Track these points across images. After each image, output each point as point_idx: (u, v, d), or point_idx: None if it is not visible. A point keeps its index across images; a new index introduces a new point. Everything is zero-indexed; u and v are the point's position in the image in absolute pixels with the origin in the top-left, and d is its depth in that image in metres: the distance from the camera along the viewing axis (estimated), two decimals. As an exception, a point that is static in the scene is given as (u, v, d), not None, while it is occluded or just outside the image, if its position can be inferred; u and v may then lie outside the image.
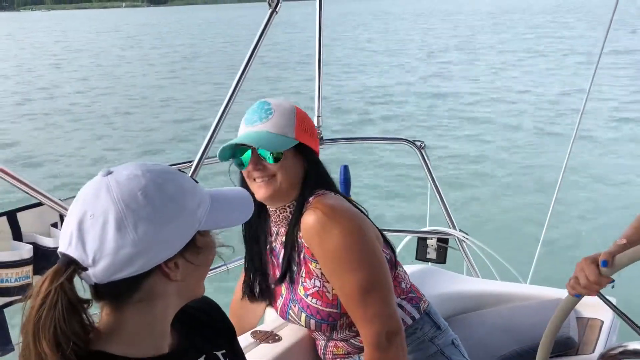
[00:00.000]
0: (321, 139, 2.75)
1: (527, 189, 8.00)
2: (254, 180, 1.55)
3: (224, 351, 1.10)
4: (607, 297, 1.36)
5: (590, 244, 5.91)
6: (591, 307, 2.15)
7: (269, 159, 1.52)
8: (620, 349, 1.15)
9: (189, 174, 2.34)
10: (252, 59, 2.49)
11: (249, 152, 1.53)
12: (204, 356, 1.05)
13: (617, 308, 1.31)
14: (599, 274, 1.24)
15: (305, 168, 1.56)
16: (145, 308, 0.93)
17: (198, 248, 0.95)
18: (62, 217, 1.89)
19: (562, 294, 2.27)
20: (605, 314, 2.19)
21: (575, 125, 3.28)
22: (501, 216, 7.08)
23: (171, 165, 2.27)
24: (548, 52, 23.41)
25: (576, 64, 19.14)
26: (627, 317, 1.29)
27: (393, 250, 1.66)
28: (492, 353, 1.99)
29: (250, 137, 1.52)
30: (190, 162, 2.39)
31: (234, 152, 1.56)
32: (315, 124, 2.77)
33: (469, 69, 20.31)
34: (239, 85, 2.46)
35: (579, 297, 1.32)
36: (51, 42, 42.10)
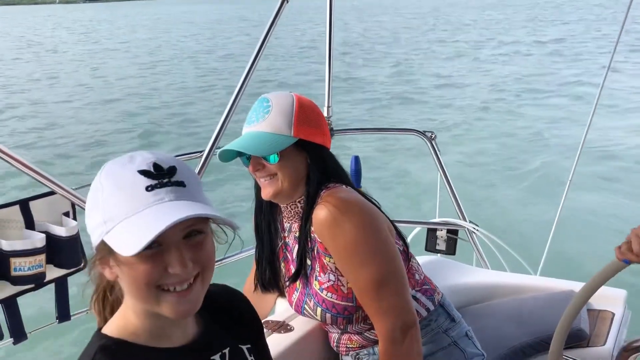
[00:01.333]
0: (331, 129, 2.75)
1: (539, 181, 7.95)
2: (259, 179, 1.55)
3: (249, 346, 1.11)
4: (612, 291, 1.35)
5: (602, 237, 5.87)
6: (602, 299, 2.14)
7: (268, 159, 1.51)
8: None
9: (199, 164, 2.35)
10: (262, 48, 2.48)
11: None
12: (228, 349, 1.06)
13: None
14: None
15: (308, 163, 1.54)
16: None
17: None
18: (74, 206, 1.91)
19: (573, 285, 2.27)
20: (616, 307, 2.18)
21: (590, 112, 3.22)
22: (512, 207, 7.04)
23: (180, 155, 2.29)
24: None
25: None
26: None
27: (405, 242, 1.66)
28: (503, 344, 1.98)
29: (244, 141, 1.51)
30: (200, 152, 2.40)
31: (238, 151, 1.54)
32: (325, 115, 2.77)
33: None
34: (250, 74, 2.45)
35: (627, 262, 1.30)
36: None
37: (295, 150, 1.52)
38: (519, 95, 13.98)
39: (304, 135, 1.51)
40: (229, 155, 1.55)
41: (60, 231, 1.84)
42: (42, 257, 1.79)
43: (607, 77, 3.22)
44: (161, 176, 0.91)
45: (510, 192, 7.65)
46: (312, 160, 1.54)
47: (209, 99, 15.18)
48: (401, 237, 1.65)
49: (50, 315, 1.98)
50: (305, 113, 1.53)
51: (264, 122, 1.51)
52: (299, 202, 1.57)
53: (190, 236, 0.92)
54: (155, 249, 0.89)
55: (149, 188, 0.90)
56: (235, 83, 2.44)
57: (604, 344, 2.00)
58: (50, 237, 1.82)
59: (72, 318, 2.00)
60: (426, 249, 2.86)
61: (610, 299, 2.16)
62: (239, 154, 1.54)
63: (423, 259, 2.48)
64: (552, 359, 1.34)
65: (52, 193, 1.87)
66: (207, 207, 0.92)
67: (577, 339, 1.99)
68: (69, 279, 1.94)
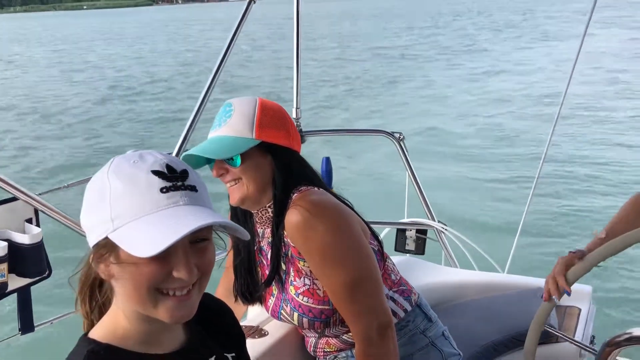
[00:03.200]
0: (300, 131, 2.74)
1: (507, 180, 8.11)
2: (226, 185, 1.54)
3: (233, 354, 1.09)
4: (578, 286, 1.43)
5: (567, 235, 6.02)
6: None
7: (231, 163, 1.49)
8: (626, 336, 1.16)
9: None
10: (229, 50, 2.46)
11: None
12: (214, 357, 1.05)
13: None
14: (562, 275, 1.33)
15: (273, 166, 1.53)
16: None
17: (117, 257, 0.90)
18: (37, 213, 1.85)
19: (539, 283, 2.30)
20: (582, 302, 2.23)
21: (555, 114, 3.29)
22: (480, 207, 7.16)
23: None
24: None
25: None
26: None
27: (380, 242, 1.65)
28: (474, 343, 2.00)
29: (205, 145, 1.50)
30: (169, 154, 2.35)
31: (206, 158, 1.53)
32: (294, 116, 2.76)
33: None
34: (217, 77, 2.42)
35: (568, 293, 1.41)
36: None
37: (259, 154, 1.50)
38: (489, 98, 14.27)
39: (267, 138, 1.50)
40: (195, 162, 1.53)
41: (23, 239, 1.78)
42: (4, 266, 1.73)
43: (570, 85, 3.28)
44: (175, 179, 0.90)
45: (478, 191, 7.78)
46: (277, 163, 1.52)
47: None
48: (375, 237, 1.64)
49: (13, 328, 1.91)
50: (269, 115, 1.52)
51: (225, 126, 1.50)
52: (269, 207, 1.55)
53: (196, 242, 0.91)
54: (164, 252, 0.86)
55: (163, 190, 0.88)
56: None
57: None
58: (13, 245, 1.76)
59: (35, 329, 1.94)
60: (396, 249, 2.87)
61: (576, 295, 2.21)
62: (207, 161, 1.52)
63: (394, 259, 2.49)
64: (527, 358, 1.36)
65: (14, 199, 1.81)
66: (218, 214, 0.91)
67: (546, 336, 2.03)
68: (32, 288, 1.87)
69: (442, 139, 10.50)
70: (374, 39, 30.06)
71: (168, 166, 0.90)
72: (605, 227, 1.44)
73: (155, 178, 0.88)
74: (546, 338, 2.02)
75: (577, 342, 1.80)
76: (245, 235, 0.94)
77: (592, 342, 2.15)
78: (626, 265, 5.09)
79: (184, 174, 0.91)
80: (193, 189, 0.90)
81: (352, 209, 1.60)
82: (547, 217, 6.52)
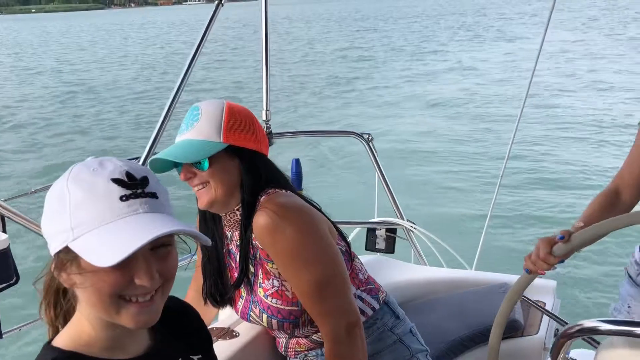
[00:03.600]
0: (270, 133, 2.75)
1: (472, 178, 8.25)
2: (193, 188, 1.54)
3: (200, 356, 1.10)
4: (543, 280, 1.44)
5: (532, 231, 6.16)
6: (534, 290, 2.25)
7: (198, 167, 1.49)
8: (577, 328, 1.21)
9: None
10: (197, 53, 2.45)
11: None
12: (180, 359, 1.05)
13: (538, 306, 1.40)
14: (549, 252, 1.30)
15: (241, 169, 1.54)
16: None
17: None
18: (3, 219, 1.82)
19: (506, 279, 2.37)
20: (547, 296, 2.29)
21: (519, 110, 3.36)
22: (448, 205, 7.27)
23: None
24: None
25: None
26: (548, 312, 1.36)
27: (347, 242, 1.68)
28: (443, 338, 2.05)
29: (173, 149, 1.50)
30: (137, 158, 2.34)
31: (174, 162, 1.53)
32: (264, 118, 2.77)
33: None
34: (185, 79, 2.42)
35: (527, 272, 1.38)
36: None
37: (226, 157, 1.51)
38: (457, 97, 14.48)
39: (235, 141, 1.51)
40: (162, 166, 1.53)
41: (-11, 245, 1.75)
42: (-30, 273, 1.70)
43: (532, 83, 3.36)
44: (135, 186, 0.90)
45: (445, 190, 7.90)
46: (245, 166, 1.53)
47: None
48: (343, 237, 1.67)
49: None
50: (236, 119, 1.53)
51: (193, 130, 1.50)
52: (237, 210, 1.56)
53: (158, 248, 0.91)
54: (124, 260, 0.86)
55: (123, 198, 0.88)
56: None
57: (537, 333, 2.11)
58: (-22, 252, 1.73)
59: (3, 336, 1.91)
60: (366, 249, 2.90)
61: (541, 289, 2.27)
62: (175, 164, 1.52)
63: (363, 259, 2.52)
64: (490, 353, 1.40)
65: (-22, 205, 1.78)
66: (179, 221, 0.91)
67: (512, 330, 2.08)
68: (-1, 295, 1.84)
69: (405, 139, 10.60)
70: (338, 41, 30.37)
71: (128, 174, 0.90)
72: (580, 217, 1.50)
73: (115, 186, 0.88)
74: (512, 332, 2.08)
75: (550, 313, 1.86)
76: (206, 241, 0.95)
77: (555, 334, 2.21)
78: (590, 258, 5.24)
79: (144, 181, 0.91)
80: (153, 196, 0.90)
81: (320, 210, 1.62)
82: (512, 215, 6.67)
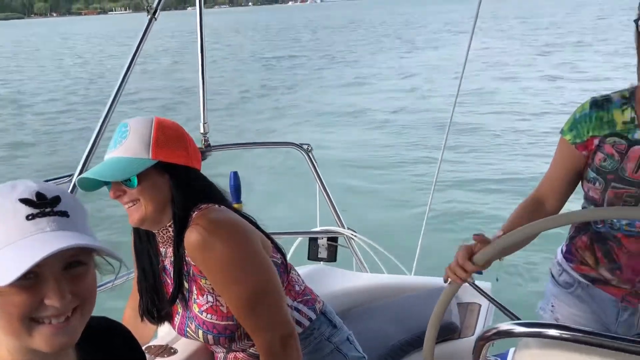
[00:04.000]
0: (208, 145, 2.74)
1: (407, 182, 8.45)
2: (124, 206, 1.52)
3: None
4: (478, 283, 1.48)
5: (468, 232, 6.34)
6: (470, 292, 2.33)
7: (128, 185, 1.48)
8: (494, 331, 1.26)
9: (69, 189, 2.23)
10: (132, 66, 2.42)
11: None
12: None
13: (483, 292, 1.43)
14: (468, 260, 1.32)
15: (171, 185, 1.52)
16: None
17: None
18: None
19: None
20: (482, 298, 2.37)
21: (450, 113, 3.45)
22: (387, 211, 7.40)
23: (50, 180, 2.15)
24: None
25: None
26: (493, 299, 1.41)
27: (284, 254, 1.69)
28: (384, 343, 2.09)
29: (101, 167, 1.49)
30: (70, 175, 2.28)
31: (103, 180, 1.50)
32: (202, 131, 2.76)
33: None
34: (119, 94, 2.38)
35: (445, 281, 1.41)
36: None
37: (156, 174, 1.49)
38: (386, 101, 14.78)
39: (164, 157, 1.49)
40: (91, 184, 1.51)
41: None
42: None
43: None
44: (43, 205, 0.88)
45: (384, 196, 8.05)
46: (175, 182, 1.52)
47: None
48: (279, 250, 1.68)
49: None
50: (166, 135, 1.52)
51: (121, 147, 1.49)
52: (169, 226, 1.55)
53: (71, 267, 0.89)
54: (33, 280, 0.85)
55: (29, 217, 0.86)
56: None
57: (473, 335, 2.18)
58: None
59: None
60: (309, 258, 2.92)
61: (475, 292, 2.35)
62: (105, 182, 1.50)
63: (306, 269, 2.54)
64: (425, 355, 1.44)
65: None
66: (89, 237, 0.89)
67: (449, 332, 2.15)
68: None
69: (341, 148, 10.69)
70: (265, 49, 30.62)
71: (38, 194, 0.89)
72: (503, 225, 1.54)
73: (22, 206, 0.87)
74: (448, 334, 2.15)
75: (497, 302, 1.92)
76: (118, 258, 0.93)
77: None
78: (523, 258, 5.46)
79: (55, 200, 0.89)
80: (63, 214, 0.89)
81: (255, 224, 1.62)
82: (449, 217, 6.85)
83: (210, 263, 1.47)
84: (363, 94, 16.38)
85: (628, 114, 1.47)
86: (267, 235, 1.65)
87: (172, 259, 1.58)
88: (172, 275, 1.59)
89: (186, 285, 1.57)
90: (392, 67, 21.68)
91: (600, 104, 1.50)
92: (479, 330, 2.21)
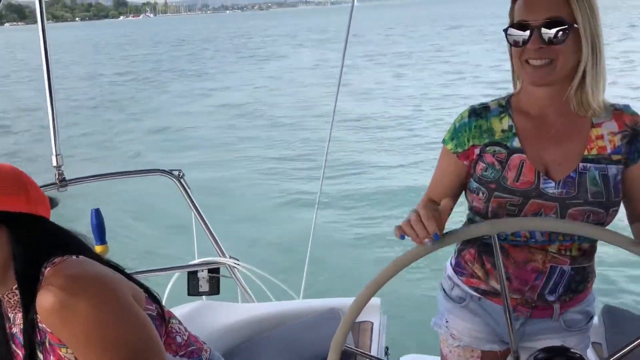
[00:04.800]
0: (63, 180, 2.46)
1: (290, 206, 8.38)
2: None
3: None
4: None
5: (354, 255, 6.38)
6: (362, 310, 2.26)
7: None
8: None
9: None
10: None
11: None
12: None
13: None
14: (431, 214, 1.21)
15: (10, 239, 1.28)
16: None
17: None
18: None
19: (334, 303, 2.37)
20: (373, 316, 2.32)
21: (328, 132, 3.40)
22: (270, 234, 7.25)
23: None
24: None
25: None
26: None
27: (159, 303, 1.47)
28: (277, 377, 1.94)
29: None
30: None
31: None
32: (55, 164, 2.47)
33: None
34: None
35: (402, 237, 1.24)
36: None
37: None
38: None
39: None
40: None
41: None
42: None
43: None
44: None
45: (266, 219, 7.89)
46: (15, 235, 1.27)
47: None
48: (154, 299, 1.46)
49: None
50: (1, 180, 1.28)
51: None
52: (16, 289, 1.30)
53: None
54: None
55: None
56: None
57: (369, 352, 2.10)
58: None
59: None
60: (189, 294, 2.72)
61: (367, 309, 2.28)
62: None
63: (187, 307, 2.35)
64: None
65: None
66: None
67: (345, 355, 2.05)
68: None
69: (212, 170, 10.42)
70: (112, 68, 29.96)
71: None
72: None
73: None
74: (347, 356, 2.05)
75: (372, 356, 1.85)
76: None
77: (386, 353, 2.24)
78: (412, 271, 5.56)
79: None
80: None
81: (123, 272, 1.40)
82: (331, 241, 6.81)
83: (72, 329, 1.21)
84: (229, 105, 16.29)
85: (506, 122, 1.47)
86: (139, 284, 1.42)
87: (21, 327, 1.31)
88: (22, 346, 1.32)
89: (40, 356, 1.29)
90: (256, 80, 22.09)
91: (479, 112, 1.50)
92: (374, 347, 2.15)
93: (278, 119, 14.81)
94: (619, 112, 1.44)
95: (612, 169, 1.41)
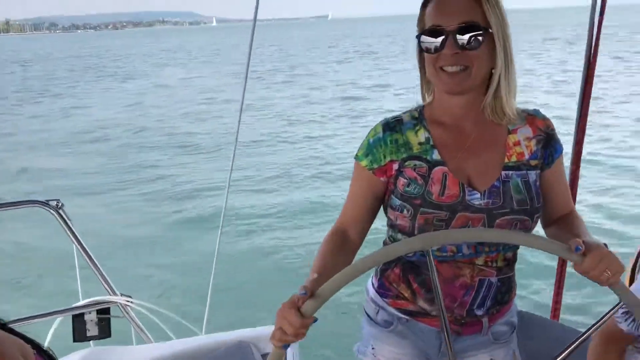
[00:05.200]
0: None
1: (188, 237, 7.93)
2: None
3: None
4: None
5: (256, 284, 6.15)
6: (269, 342, 2.09)
7: None
8: None
9: None
10: None
11: None
12: None
13: None
14: (301, 317, 1.12)
15: None
16: None
17: None
18: None
19: (240, 334, 2.20)
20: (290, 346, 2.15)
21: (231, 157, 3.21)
22: (164, 269, 6.80)
23: None
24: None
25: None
26: None
27: (50, 356, 1.23)
28: None
29: None
30: None
31: None
32: None
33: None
34: None
35: (287, 347, 1.16)
36: None
37: None
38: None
39: None
40: None
41: None
42: None
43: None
44: None
45: (160, 254, 7.39)
46: None
47: None
48: (43, 353, 1.21)
49: None
50: None
51: None
52: None
53: None
54: None
55: None
56: None
57: None
58: None
59: None
60: (75, 340, 2.45)
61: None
62: None
63: (74, 356, 2.07)
64: None
65: None
66: None
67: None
68: None
69: (78, 197, 9.65)
70: None
71: None
72: (312, 268, 1.33)
73: None
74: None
75: None
76: None
77: None
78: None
79: None
80: None
81: (4, 326, 1.15)
82: (236, 269, 6.53)
83: None
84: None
85: (422, 135, 1.41)
86: (25, 338, 1.16)
87: None
88: None
89: None
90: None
91: (393, 126, 1.43)
92: None
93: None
94: (531, 117, 1.44)
95: (532, 175, 1.40)
